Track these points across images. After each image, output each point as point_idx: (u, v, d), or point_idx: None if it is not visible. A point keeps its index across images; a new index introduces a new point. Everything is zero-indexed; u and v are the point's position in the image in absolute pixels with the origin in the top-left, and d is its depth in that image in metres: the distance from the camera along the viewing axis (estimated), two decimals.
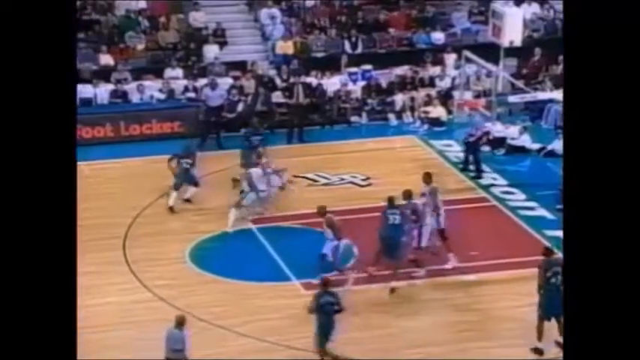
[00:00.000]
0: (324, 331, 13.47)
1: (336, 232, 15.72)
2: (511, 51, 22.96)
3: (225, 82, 23.51)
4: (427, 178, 16.81)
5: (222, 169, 20.19)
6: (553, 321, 13.85)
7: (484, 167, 20.69)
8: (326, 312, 13.38)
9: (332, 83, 23.82)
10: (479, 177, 20.31)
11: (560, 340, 13.61)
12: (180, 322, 12.88)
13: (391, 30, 25.48)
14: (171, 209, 18.51)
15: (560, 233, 17.60)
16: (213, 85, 22.49)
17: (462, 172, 20.57)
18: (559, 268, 13.76)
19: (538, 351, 13.84)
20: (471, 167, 20.54)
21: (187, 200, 18.81)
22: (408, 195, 16.22)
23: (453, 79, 24.10)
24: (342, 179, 20.12)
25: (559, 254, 14.27)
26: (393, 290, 15.68)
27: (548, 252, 14.24)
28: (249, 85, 23.53)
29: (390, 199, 16.14)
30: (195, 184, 18.92)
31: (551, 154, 21.40)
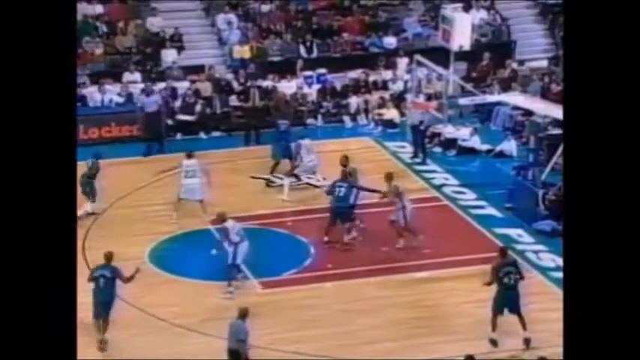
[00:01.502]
0: (100, 302, 14.05)
1: (229, 238, 15.67)
2: (460, 55, 23.12)
3: (183, 85, 23.42)
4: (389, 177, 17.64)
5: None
6: (511, 317, 14.06)
7: (436, 167, 20.90)
8: (100, 284, 14.06)
9: (288, 86, 23.83)
10: (424, 162, 20.97)
11: (527, 336, 13.96)
12: (244, 314, 13.01)
13: (345, 35, 25.56)
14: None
15: (508, 231, 18.01)
16: (148, 92, 22.27)
17: (416, 174, 20.70)
18: (511, 268, 14.16)
19: (493, 342, 14.06)
20: (420, 156, 21.26)
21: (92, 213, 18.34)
22: (389, 177, 17.40)
23: (405, 82, 24.24)
24: (299, 180, 20.11)
25: (511, 256, 14.75)
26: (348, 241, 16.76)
27: (502, 254, 14.44)
28: (205, 87, 23.48)
29: (344, 172, 17.39)
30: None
31: (500, 154, 21.65)
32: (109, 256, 14.50)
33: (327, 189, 17.62)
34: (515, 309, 14.05)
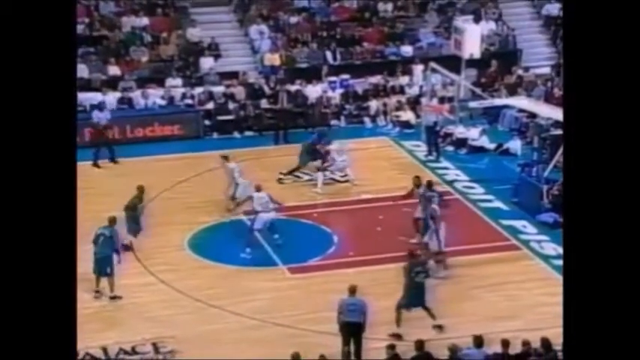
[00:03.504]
0: (98, 259, 14.82)
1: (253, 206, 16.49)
2: (471, 62, 23.01)
3: (219, 90, 23.42)
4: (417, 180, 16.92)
5: (217, 167, 20.17)
6: (511, 301, 13.91)
7: (448, 164, 20.82)
8: (99, 242, 14.80)
9: (314, 91, 23.81)
10: (437, 159, 20.80)
11: (436, 323, 13.70)
12: (354, 290, 13.21)
13: (366, 44, 25.48)
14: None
15: (513, 222, 17.90)
16: (101, 107, 21.41)
17: (430, 170, 20.59)
18: (421, 267, 13.92)
19: (397, 336, 13.61)
20: (434, 154, 21.10)
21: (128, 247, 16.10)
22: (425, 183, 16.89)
23: (421, 87, 24.13)
24: (324, 176, 20.08)
25: (421, 256, 14.50)
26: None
27: (411, 255, 14.24)
28: (239, 91, 23.51)
29: (429, 183, 16.79)
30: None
31: (506, 152, 21.52)
32: (111, 220, 15.05)
33: (421, 195, 16.37)
34: (422, 303, 13.79)
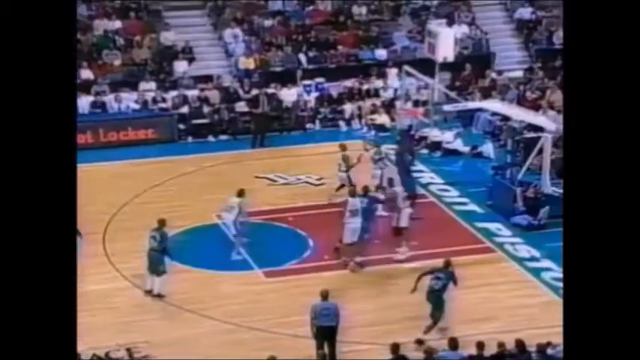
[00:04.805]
0: None
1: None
2: (445, 66, 23.11)
3: (194, 93, 23.38)
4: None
5: (193, 170, 20.10)
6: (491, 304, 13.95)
7: (423, 167, 20.89)
8: None
9: (289, 94, 23.79)
10: (412, 163, 20.65)
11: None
12: (326, 295, 13.15)
13: (340, 47, 25.51)
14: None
15: (488, 225, 17.98)
16: None
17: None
18: (441, 274, 14.00)
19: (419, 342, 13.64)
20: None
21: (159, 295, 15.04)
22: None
23: (395, 90, 24.20)
24: (299, 179, 20.08)
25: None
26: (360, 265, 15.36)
27: (446, 263, 14.36)
28: (213, 95, 23.44)
29: (365, 188, 16.65)
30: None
31: (480, 155, 21.63)
32: None
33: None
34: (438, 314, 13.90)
